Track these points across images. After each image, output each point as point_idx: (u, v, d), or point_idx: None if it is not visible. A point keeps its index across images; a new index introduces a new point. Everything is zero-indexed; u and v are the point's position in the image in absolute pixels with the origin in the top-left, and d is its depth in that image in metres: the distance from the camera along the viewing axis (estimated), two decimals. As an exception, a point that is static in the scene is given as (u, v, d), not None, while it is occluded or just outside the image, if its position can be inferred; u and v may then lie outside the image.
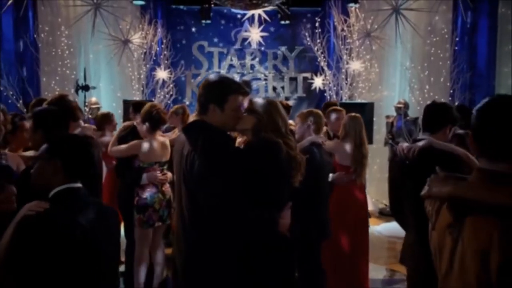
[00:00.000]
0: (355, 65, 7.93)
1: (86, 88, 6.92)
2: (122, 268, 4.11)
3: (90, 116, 6.74)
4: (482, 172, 1.30)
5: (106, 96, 7.99)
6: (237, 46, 8.84)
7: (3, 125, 2.55)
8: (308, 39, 8.31)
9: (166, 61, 8.22)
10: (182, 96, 8.73)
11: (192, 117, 3.54)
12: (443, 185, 1.35)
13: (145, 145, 3.67)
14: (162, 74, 8.11)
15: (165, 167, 3.80)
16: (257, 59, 8.92)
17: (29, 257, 1.57)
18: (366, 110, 6.27)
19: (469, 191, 1.28)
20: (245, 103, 2.24)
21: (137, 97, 7.88)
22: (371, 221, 5.45)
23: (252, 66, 8.95)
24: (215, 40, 8.89)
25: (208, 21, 8.41)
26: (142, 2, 7.81)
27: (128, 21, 7.84)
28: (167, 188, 3.78)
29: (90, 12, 7.32)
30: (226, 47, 8.87)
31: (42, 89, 7.51)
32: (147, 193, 3.67)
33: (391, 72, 8.22)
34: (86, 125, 3.39)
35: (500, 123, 1.28)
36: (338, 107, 4.64)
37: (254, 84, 8.75)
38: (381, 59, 8.06)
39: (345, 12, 7.95)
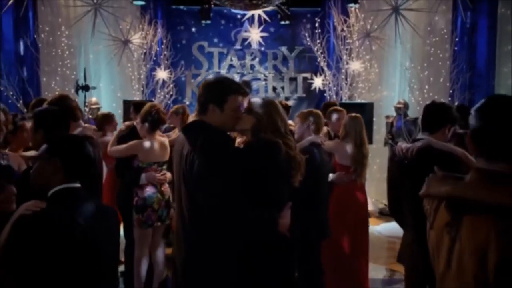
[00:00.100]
0: (355, 65, 7.94)
1: (86, 88, 6.92)
2: (121, 268, 4.12)
3: (90, 116, 6.75)
4: (481, 172, 1.31)
5: (106, 96, 8.00)
6: (237, 46, 8.85)
7: (4, 125, 2.55)
8: (308, 39, 8.32)
9: (166, 61, 8.23)
10: (182, 96, 8.75)
11: (191, 117, 3.55)
12: (442, 185, 1.35)
13: (147, 144, 3.68)
14: (162, 74, 8.12)
15: (164, 167, 3.80)
16: (257, 59, 8.93)
17: (25, 256, 1.57)
18: (366, 110, 6.28)
19: (468, 191, 1.28)
20: (245, 103, 2.25)
21: (137, 97, 7.88)
22: (371, 221, 5.44)
23: (252, 66, 8.96)
24: (215, 40, 8.91)
25: (208, 21, 8.42)
26: (142, 2, 7.82)
27: (128, 21, 7.84)
28: (166, 188, 3.78)
29: (90, 12, 7.33)
30: (226, 47, 8.88)
31: (42, 89, 7.51)
32: (146, 193, 3.67)
33: (391, 72, 8.22)
34: (86, 125, 3.39)
35: (498, 123, 1.29)
36: (339, 107, 4.65)
37: (254, 84, 8.76)
38: (381, 59, 8.06)
39: (345, 12, 7.95)
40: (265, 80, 8.96)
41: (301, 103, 8.76)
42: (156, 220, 3.70)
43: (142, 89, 8.10)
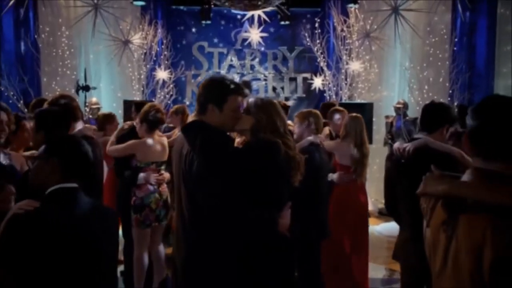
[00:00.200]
0: (354, 66, 7.94)
1: (86, 88, 6.94)
2: (121, 267, 4.13)
3: (90, 116, 6.77)
4: (478, 172, 1.32)
5: (106, 96, 8.01)
6: (237, 46, 8.86)
7: (7, 126, 2.56)
8: (307, 39, 8.33)
9: (166, 62, 8.24)
10: (182, 96, 8.76)
11: (191, 117, 3.56)
12: (439, 183, 1.36)
13: (145, 143, 3.68)
14: (162, 74, 8.13)
15: (163, 167, 3.80)
16: (257, 60, 8.94)
17: (20, 255, 1.57)
18: (365, 110, 6.28)
19: (466, 190, 1.29)
20: (244, 104, 2.26)
21: (138, 97, 7.89)
22: (371, 221, 5.44)
23: (252, 67, 8.97)
24: (215, 40, 8.92)
25: (208, 22, 8.43)
26: (142, 3, 7.83)
27: (128, 22, 7.85)
28: (164, 188, 3.78)
29: (90, 12, 7.34)
30: (226, 48, 8.90)
31: (42, 90, 7.52)
32: (144, 193, 3.67)
33: (391, 73, 8.22)
34: (86, 125, 3.40)
35: (495, 122, 1.30)
36: (341, 108, 4.66)
37: (254, 85, 8.76)
38: (381, 59, 8.07)
39: (345, 13, 7.96)
40: (265, 80, 8.97)
41: (301, 103, 8.76)
42: (154, 220, 3.70)
43: (142, 89, 8.11)
